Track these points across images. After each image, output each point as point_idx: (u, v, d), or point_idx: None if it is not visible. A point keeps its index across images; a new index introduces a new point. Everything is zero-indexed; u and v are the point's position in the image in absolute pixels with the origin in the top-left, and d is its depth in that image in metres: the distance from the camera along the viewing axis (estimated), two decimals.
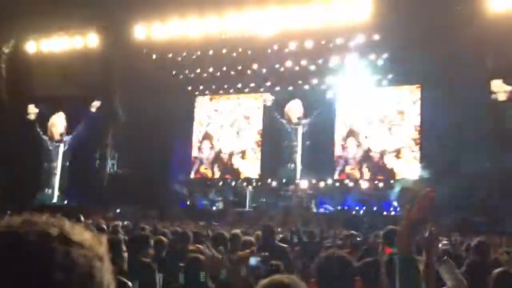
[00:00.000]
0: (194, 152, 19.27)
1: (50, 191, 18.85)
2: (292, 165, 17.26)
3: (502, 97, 12.48)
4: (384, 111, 16.74)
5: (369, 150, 16.61)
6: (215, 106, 19.38)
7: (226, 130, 18.88)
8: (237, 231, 7.04)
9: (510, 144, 12.89)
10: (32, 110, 19.59)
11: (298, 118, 17.34)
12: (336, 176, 16.85)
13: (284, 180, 17.04)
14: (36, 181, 18.65)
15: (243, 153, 18.42)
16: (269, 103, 17.78)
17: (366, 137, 16.70)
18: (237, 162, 18.45)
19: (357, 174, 16.64)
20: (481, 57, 13.45)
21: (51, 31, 18.41)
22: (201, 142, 19.16)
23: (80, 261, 0.76)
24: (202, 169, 18.99)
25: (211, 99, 19.54)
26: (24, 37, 18.97)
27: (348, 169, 16.72)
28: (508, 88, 12.66)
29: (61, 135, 19.30)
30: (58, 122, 19.38)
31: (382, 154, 16.40)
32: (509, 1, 13.61)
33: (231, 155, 18.56)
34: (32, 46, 19.08)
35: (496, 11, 13.58)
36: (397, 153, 16.24)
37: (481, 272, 3.49)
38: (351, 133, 16.88)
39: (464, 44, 13.28)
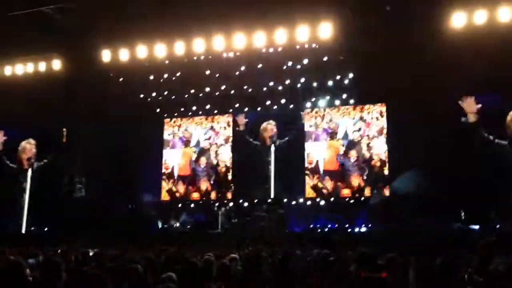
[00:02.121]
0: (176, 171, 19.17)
1: (19, 219, 18.30)
2: (265, 186, 17.29)
3: (472, 118, 12.76)
4: (355, 129, 17.04)
5: (370, 158, 16.61)
6: (188, 128, 19.34)
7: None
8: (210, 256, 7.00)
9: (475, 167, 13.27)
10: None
11: (270, 138, 17.27)
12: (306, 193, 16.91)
13: (256, 201, 17.06)
14: (4, 210, 18.16)
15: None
16: (242, 127, 17.53)
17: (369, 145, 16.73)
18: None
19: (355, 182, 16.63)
20: (446, 75, 13.83)
21: (13, 57, 18.13)
22: (197, 159, 18.89)
23: None
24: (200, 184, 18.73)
25: (178, 121, 19.49)
26: None
27: (353, 179, 16.65)
28: (476, 107, 12.92)
29: (28, 160, 18.73)
30: (27, 148, 18.85)
31: (382, 163, 16.46)
32: (468, 17, 14.02)
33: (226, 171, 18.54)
34: None
35: (456, 27, 14.04)
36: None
37: None
38: (353, 145, 16.88)
39: (427, 62, 13.73)
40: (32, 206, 18.50)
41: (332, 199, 16.78)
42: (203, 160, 18.82)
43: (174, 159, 19.24)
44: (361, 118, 16.95)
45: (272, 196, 17.00)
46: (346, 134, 17.11)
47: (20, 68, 18.50)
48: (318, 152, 17.32)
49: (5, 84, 18.47)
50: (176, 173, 19.07)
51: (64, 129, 17.86)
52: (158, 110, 19.04)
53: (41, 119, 17.71)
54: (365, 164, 16.63)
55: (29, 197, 18.51)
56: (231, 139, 18.59)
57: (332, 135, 17.24)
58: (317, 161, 17.23)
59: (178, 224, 17.26)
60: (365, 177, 16.54)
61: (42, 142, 18.72)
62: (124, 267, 5.31)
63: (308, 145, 17.47)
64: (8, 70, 18.62)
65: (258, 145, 17.29)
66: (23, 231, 17.73)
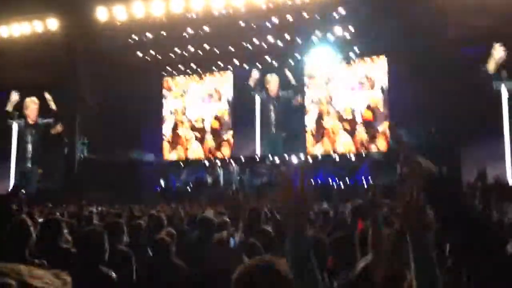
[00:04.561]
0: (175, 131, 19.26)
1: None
2: (269, 140, 17.44)
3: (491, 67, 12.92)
4: (355, 82, 16.94)
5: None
6: (187, 86, 19.27)
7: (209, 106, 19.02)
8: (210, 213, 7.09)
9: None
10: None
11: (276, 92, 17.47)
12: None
13: (257, 158, 17.15)
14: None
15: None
16: (252, 82, 17.53)
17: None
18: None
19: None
20: (443, 26, 13.64)
21: (9, 17, 17.85)
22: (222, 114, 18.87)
23: None
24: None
25: (175, 79, 19.40)
26: None
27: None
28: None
29: (32, 117, 18.94)
30: (31, 107, 18.94)
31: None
32: None
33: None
34: None
35: None
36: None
37: None
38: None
39: (426, 13, 13.47)
40: (37, 165, 18.70)
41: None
42: (226, 115, 18.82)
43: (205, 114, 19.00)
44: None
45: (269, 152, 17.13)
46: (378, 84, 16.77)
47: (17, 29, 18.23)
48: (355, 104, 16.90)
49: (3, 45, 18.27)
50: (208, 128, 18.92)
51: (47, 95, 17.74)
52: (156, 68, 18.90)
53: (42, 79, 17.62)
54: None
55: (32, 157, 18.73)
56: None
57: (371, 86, 16.82)
58: (354, 111, 16.88)
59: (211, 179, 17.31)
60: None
61: (44, 102, 18.75)
62: (124, 224, 5.39)
63: (343, 96, 17.11)
64: (4, 31, 18.34)
65: (263, 97, 17.40)
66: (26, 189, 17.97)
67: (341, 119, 17.02)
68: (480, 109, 13.23)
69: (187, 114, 19.21)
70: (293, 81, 16.98)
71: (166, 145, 19.28)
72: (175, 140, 19.24)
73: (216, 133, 18.78)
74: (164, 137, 19.35)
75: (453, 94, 13.53)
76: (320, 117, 17.30)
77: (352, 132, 16.82)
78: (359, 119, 16.79)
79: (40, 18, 17.83)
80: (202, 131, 18.96)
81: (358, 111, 16.84)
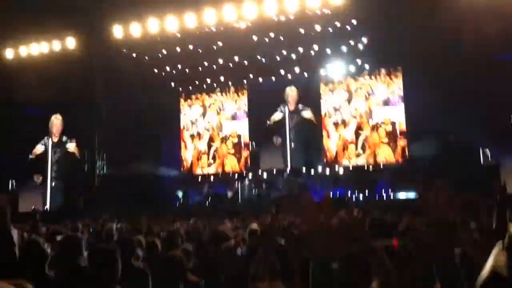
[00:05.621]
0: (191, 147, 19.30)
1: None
2: (287, 154, 17.42)
3: None
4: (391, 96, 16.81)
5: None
6: (220, 101, 19.31)
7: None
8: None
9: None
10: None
11: (295, 106, 17.44)
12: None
13: (274, 171, 17.14)
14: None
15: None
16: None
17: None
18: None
19: None
20: (459, 38, 13.52)
21: (28, 37, 18.21)
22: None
23: None
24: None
25: (195, 97, 19.48)
26: (1, 44, 18.71)
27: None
28: None
29: (59, 137, 19.20)
30: (55, 123, 19.21)
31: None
32: None
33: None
34: (10, 53, 18.80)
35: None
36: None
37: None
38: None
39: (443, 25, 13.38)
40: (59, 184, 18.91)
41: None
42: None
43: (239, 130, 18.87)
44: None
45: (289, 165, 17.10)
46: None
47: (35, 49, 18.56)
48: (395, 116, 16.70)
49: (23, 64, 18.58)
50: (242, 144, 18.77)
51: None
52: (173, 84, 19.09)
53: (61, 97, 17.87)
54: None
55: (55, 175, 18.93)
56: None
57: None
58: (393, 123, 16.69)
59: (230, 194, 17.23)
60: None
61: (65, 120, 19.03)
62: (142, 240, 5.44)
63: (384, 109, 16.90)
64: (23, 51, 18.69)
65: (284, 112, 17.20)
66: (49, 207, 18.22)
67: (380, 131, 16.83)
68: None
69: (222, 130, 19.19)
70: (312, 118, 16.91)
71: (204, 160, 19.26)
72: (209, 155, 19.26)
73: (248, 148, 18.74)
74: (199, 152, 19.35)
75: (474, 101, 13.43)
76: (358, 130, 17.09)
77: (392, 144, 16.62)
78: (398, 131, 16.61)
79: (59, 38, 18.16)
80: (236, 146, 18.90)
81: (397, 123, 16.64)
